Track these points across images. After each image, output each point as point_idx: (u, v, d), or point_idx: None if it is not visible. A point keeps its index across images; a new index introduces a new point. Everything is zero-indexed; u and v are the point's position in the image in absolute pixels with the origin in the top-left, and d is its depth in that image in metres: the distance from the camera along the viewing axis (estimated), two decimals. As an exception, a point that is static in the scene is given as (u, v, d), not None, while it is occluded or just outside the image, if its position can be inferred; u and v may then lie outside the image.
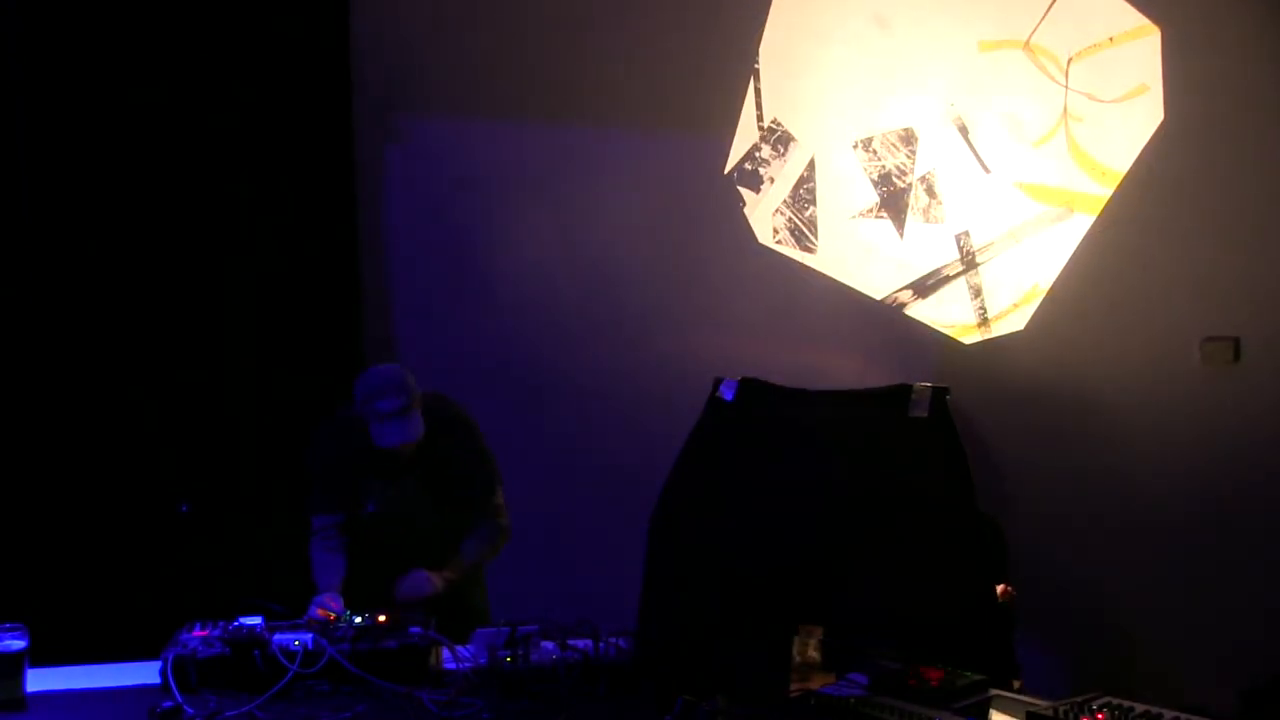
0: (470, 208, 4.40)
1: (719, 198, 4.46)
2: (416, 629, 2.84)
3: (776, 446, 3.07)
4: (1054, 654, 4.30)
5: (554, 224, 4.42)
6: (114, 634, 3.45)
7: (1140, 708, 2.25)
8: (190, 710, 2.50)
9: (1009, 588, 3.54)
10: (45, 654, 2.79)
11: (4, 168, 3.92)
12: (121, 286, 4.03)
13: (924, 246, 4.37)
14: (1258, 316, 4.25)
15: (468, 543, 3.38)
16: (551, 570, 4.10)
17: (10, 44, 3.91)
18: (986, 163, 4.31)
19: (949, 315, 4.40)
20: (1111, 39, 4.22)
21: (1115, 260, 4.29)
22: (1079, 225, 4.29)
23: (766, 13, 4.38)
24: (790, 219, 4.43)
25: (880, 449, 2.97)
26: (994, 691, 2.51)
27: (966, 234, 4.34)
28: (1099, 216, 4.27)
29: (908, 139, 4.34)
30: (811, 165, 4.40)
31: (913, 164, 4.35)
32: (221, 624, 2.83)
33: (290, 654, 2.67)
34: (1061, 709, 2.27)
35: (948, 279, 4.37)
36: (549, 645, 2.82)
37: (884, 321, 4.42)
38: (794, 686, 2.63)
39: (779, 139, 4.42)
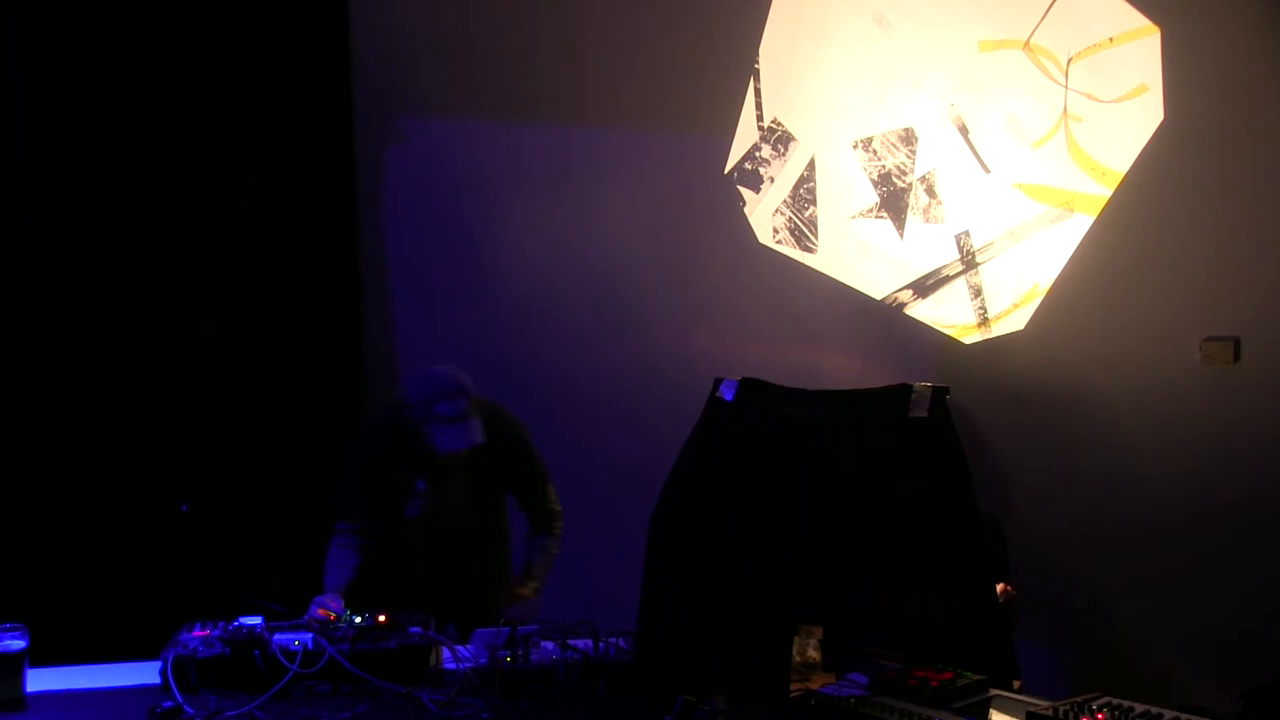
0: (470, 208, 4.40)
1: (719, 198, 4.47)
2: (416, 629, 2.84)
3: (776, 446, 3.07)
4: (1054, 654, 4.31)
5: (554, 224, 4.42)
6: (114, 634, 3.45)
7: (1140, 708, 2.25)
8: (190, 710, 2.50)
9: (1009, 588, 3.54)
10: (45, 654, 2.79)
11: (4, 168, 3.92)
12: (121, 287, 4.03)
13: (924, 246, 4.37)
14: (1258, 316, 4.25)
15: (538, 550, 3.39)
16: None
17: (10, 44, 3.91)
18: (986, 163, 4.31)
19: (949, 315, 4.40)
20: (1111, 39, 4.22)
21: (1115, 260, 4.29)
22: (1079, 225, 4.29)
23: (766, 13, 4.38)
24: (790, 219, 4.43)
25: (880, 449, 2.97)
26: (994, 691, 2.51)
27: (966, 234, 4.34)
28: (1099, 216, 4.27)
29: (908, 139, 4.35)
30: (811, 165, 4.40)
31: (913, 164, 4.35)
32: (221, 624, 2.83)
33: (290, 654, 2.66)
34: (1061, 709, 2.27)
35: (948, 279, 4.37)
36: (549, 645, 2.82)
37: (884, 321, 4.42)
38: (794, 686, 2.63)
39: (779, 139, 4.42)
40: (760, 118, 4.43)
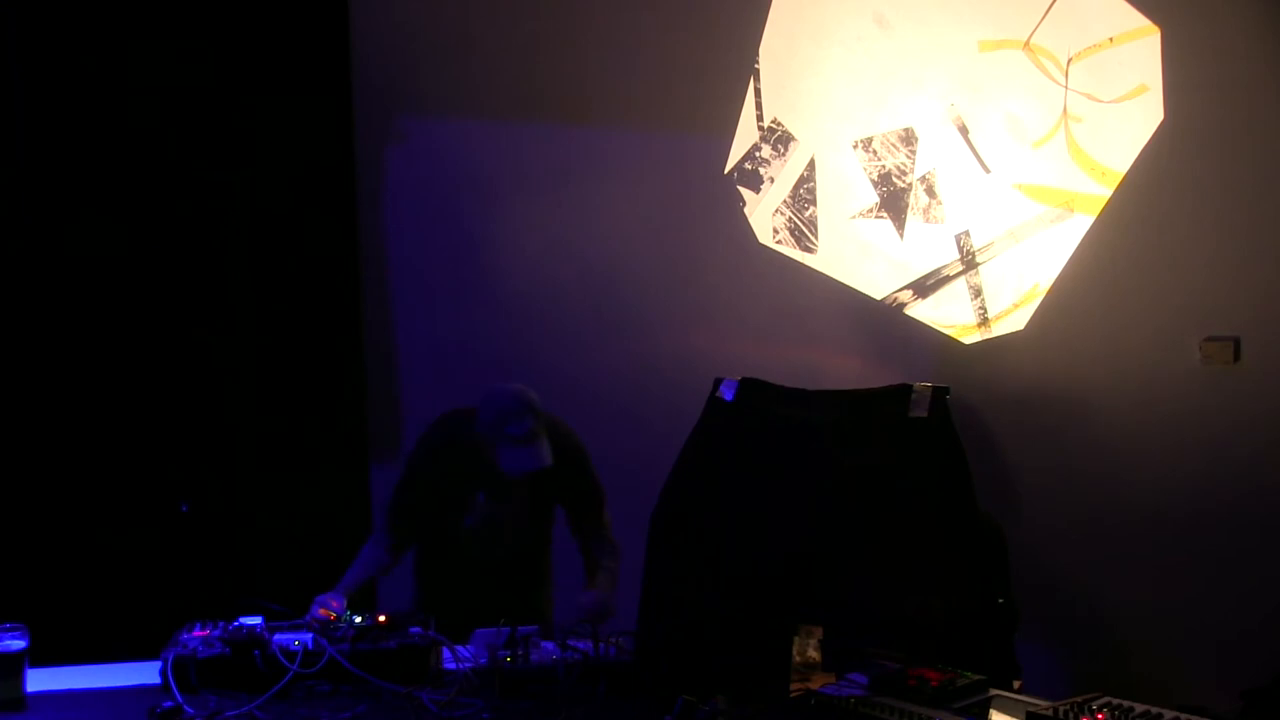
0: (470, 208, 4.40)
1: (719, 198, 4.47)
2: (416, 629, 2.84)
3: (776, 446, 3.07)
4: (1054, 654, 4.31)
5: (554, 224, 4.42)
6: (114, 634, 3.45)
7: (1140, 708, 2.25)
8: (190, 710, 2.50)
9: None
10: (45, 654, 2.79)
11: (4, 168, 3.92)
12: (122, 286, 4.03)
13: (924, 246, 4.37)
14: (1258, 316, 4.25)
15: (604, 561, 3.36)
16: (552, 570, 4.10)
17: (10, 44, 3.91)
18: (986, 163, 4.31)
19: (949, 315, 4.40)
20: (1111, 39, 4.22)
21: (1115, 260, 4.29)
22: (1079, 225, 4.29)
23: (766, 13, 4.38)
24: (790, 219, 4.43)
25: (880, 449, 2.97)
26: (994, 691, 2.51)
27: (966, 234, 4.34)
28: (1099, 216, 4.27)
29: (908, 139, 4.34)
30: (811, 165, 4.40)
31: (913, 164, 4.35)
32: (221, 624, 2.83)
33: (290, 654, 2.67)
34: (1061, 709, 2.27)
35: (948, 279, 4.37)
36: (549, 645, 2.82)
37: (884, 321, 4.42)
38: (794, 686, 2.63)
39: (779, 139, 4.42)
40: (760, 118, 4.43)
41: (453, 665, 2.80)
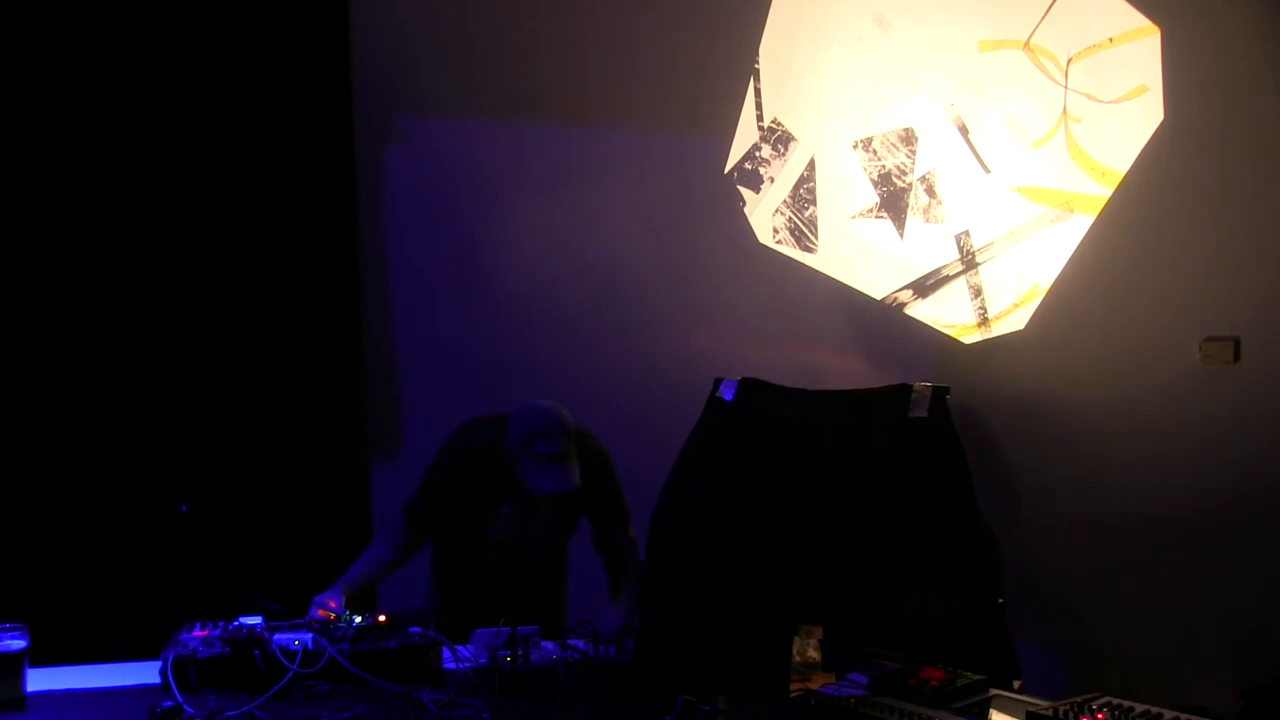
0: (470, 208, 4.40)
1: (719, 198, 4.46)
2: (416, 629, 2.84)
3: (776, 446, 3.08)
4: (1054, 654, 4.31)
5: (554, 224, 4.42)
6: (114, 634, 3.45)
7: (1140, 708, 2.25)
8: (190, 710, 2.50)
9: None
10: (45, 654, 2.79)
11: (4, 168, 3.92)
12: (121, 286, 4.03)
13: (924, 246, 4.37)
14: (1258, 316, 4.25)
15: (628, 580, 3.31)
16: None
17: (10, 44, 3.91)
18: (986, 163, 4.30)
19: (949, 315, 4.39)
20: (1111, 39, 4.22)
21: (1115, 260, 4.29)
22: (1079, 225, 4.29)
23: (766, 13, 4.38)
24: (790, 219, 4.43)
25: (880, 449, 2.97)
26: (994, 691, 2.51)
27: (966, 234, 4.34)
28: (1099, 216, 4.27)
29: (908, 139, 4.34)
30: (811, 165, 4.40)
31: (913, 164, 4.35)
32: (221, 624, 2.83)
33: (290, 654, 2.67)
34: (1061, 709, 2.27)
35: (948, 279, 4.37)
36: (549, 645, 2.82)
37: (884, 321, 4.42)
38: (794, 686, 2.63)
39: (779, 139, 4.42)
40: (760, 118, 4.43)
41: (453, 665, 2.80)
